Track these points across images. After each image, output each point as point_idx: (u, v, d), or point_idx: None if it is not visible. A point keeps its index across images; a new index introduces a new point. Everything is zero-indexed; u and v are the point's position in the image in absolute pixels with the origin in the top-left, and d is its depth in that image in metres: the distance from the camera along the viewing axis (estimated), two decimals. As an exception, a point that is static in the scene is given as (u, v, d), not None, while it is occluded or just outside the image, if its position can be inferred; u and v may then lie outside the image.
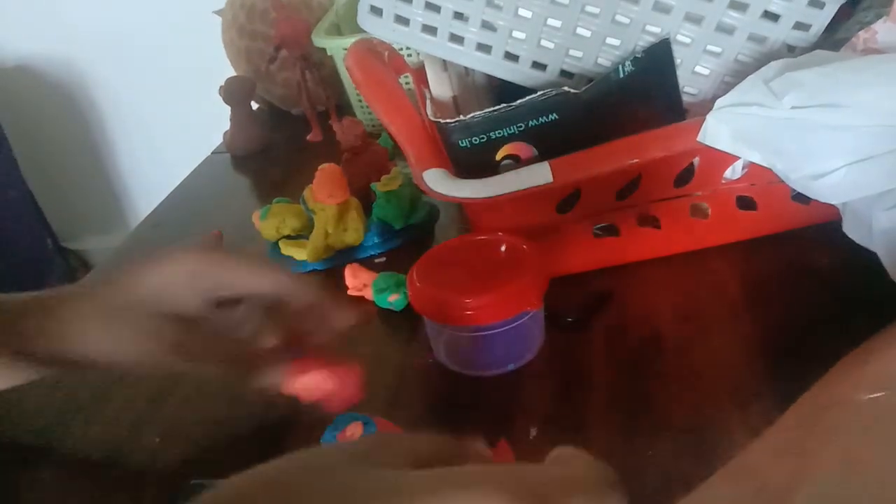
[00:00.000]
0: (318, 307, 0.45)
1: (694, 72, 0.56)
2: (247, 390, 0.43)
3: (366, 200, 0.71)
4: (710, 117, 0.49)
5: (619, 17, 0.54)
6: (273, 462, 0.25)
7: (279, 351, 0.44)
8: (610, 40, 0.56)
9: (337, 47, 0.90)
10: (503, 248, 0.52)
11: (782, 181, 0.49)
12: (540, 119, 0.53)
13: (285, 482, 0.25)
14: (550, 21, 0.55)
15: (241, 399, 0.54)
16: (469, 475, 0.24)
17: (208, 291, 0.43)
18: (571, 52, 0.57)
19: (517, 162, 0.54)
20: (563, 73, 0.58)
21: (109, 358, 0.42)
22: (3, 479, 0.50)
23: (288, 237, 0.72)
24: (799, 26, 0.53)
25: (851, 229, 0.49)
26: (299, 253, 0.69)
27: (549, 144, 0.53)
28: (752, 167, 0.55)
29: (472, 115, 0.52)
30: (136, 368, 0.43)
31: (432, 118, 0.55)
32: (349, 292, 0.63)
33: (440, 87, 0.65)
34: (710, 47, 0.55)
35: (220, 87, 0.97)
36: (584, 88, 0.53)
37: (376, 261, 0.68)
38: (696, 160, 0.55)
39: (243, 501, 0.24)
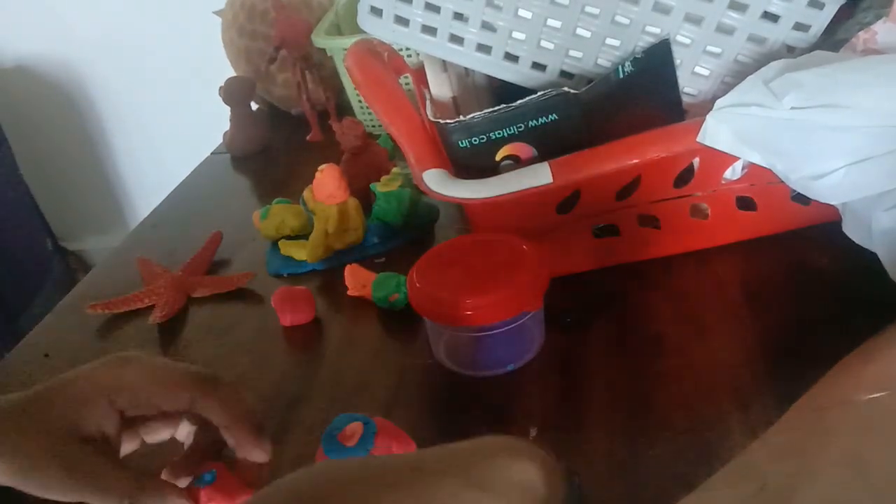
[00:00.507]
0: (236, 421, 0.41)
1: (694, 72, 0.56)
2: None
3: (366, 200, 0.71)
4: (709, 118, 0.49)
5: (618, 18, 0.54)
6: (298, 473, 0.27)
7: (178, 483, 0.41)
8: (610, 41, 0.56)
9: (337, 47, 0.90)
10: (503, 248, 0.52)
11: (782, 181, 0.49)
12: (540, 119, 0.53)
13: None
14: (550, 22, 0.55)
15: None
16: (489, 444, 0.28)
17: (125, 409, 0.41)
18: (571, 52, 0.57)
19: (517, 162, 0.54)
20: (563, 73, 0.58)
21: (13, 480, 0.39)
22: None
23: (288, 237, 0.72)
24: (798, 27, 0.53)
25: (851, 229, 0.49)
26: (299, 253, 0.69)
27: (549, 145, 0.54)
28: (751, 167, 0.55)
29: (472, 115, 0.52)
30: (40, 493, 0.40)
31: (432, 118, 0.55)
32: (349, 292, 0.63)
33: (440, 87, 0.65)
34: (709, 48, 0.55)
35: (220, 87, 0.97)
36: (583, 89, 0.53)
37: (376, 261, 0.68)
38: (696, 160, 0.55)
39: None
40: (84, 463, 0.39)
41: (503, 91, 0.62)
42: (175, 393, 0.42)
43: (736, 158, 0.53)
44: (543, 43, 0.56)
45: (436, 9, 0.56)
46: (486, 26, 0.56)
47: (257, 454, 0.41)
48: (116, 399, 0.41)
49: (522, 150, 0.54)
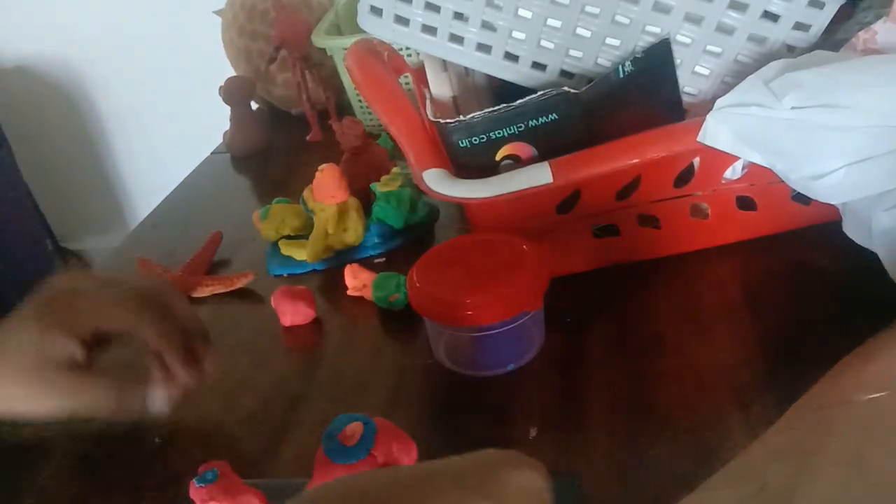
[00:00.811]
0: (167, 347, 0.47)
1: (694, 72, 0.56)
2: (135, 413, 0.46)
3: (366, 200, 0.71)
4: (709, 117, 0.49)
5: (618, 18, 0.54)
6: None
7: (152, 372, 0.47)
8: (610, 40, 0.56)
9: (337, 47, 0.90)
10: (503, 248, 0.52)
11: (782, 181, 0.49)
12: (540, 119, 0.53)
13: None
14: (550, 21, 0.55)
15: (236, 400, 0.54)
16: (491, 456, 0.29)
17: (83, 335, 0.46)
18: (571, 52, 0.57)
19: (517, 162, 0.54)
20: (563, 73, 0.58)
21: (9, 411, 0.45)
22: (4, 478, 0.50)
23: (288, 237, 0.72)
24: (799, 27, 0.53)
25: (851, 229, 0.49)
26: (299, 253, 0.69)
27: (549, 144, 0.53)
28: (752, 167, 0.55)
29: (472, 115, 0.52)
30: (36, 418, 0.46)
31: (432, 118, 0.55)
32: (349, 292, 0.63)
33: (440, 87, 0.65)
34: (709, 48, 0.55)
35: (220, 87, 0.97)
36: (584, 88, 0.53)
37: (376, 261, 0.68)
38: (696, 160, 0.55)
39: None
40: (64, 381, 0.45)
41: (503, 91, 0.62)
42: (118, 320, 0.47)
43: (736, 158, 0.53)
44: (543, 42, 0.56)
45: (436, 8, 0.56)
46: (486, 26, 0.56)
47: (181, 378, 0.47)
48: (72, 328, 0.45)
49: (522, 149, 0.54)
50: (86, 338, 0.46)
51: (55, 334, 0.45)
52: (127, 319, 0.46)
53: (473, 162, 0.54)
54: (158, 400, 0.46)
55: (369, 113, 0.95)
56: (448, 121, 0.53)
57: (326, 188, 0.65)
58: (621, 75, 0.52)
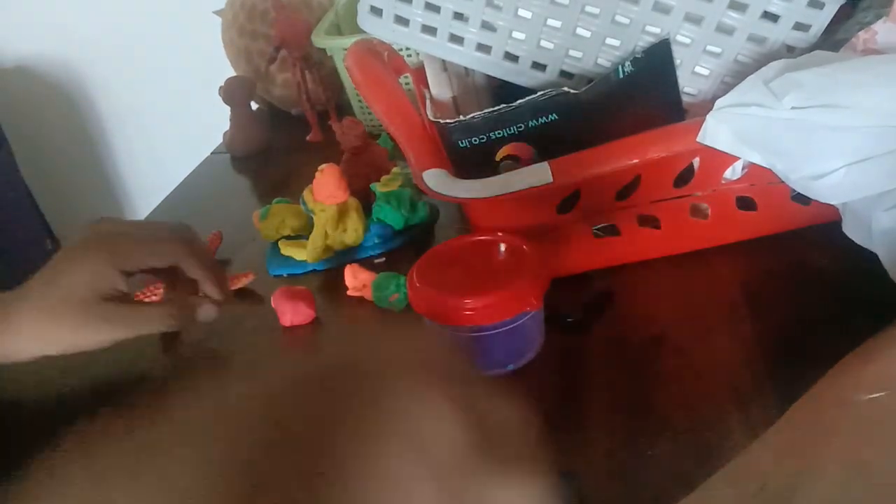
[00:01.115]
0: (205, 275, 0.55)
1: (694, 72, 0.56)
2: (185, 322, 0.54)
3: (366, 200, 0.71)
4: (709, 117, 0.49)
5: (618, 18, 0.54)
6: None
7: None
8: (610, 41, 0.56)
9: (337, 47, 0.90)
10: (503, 248, 0.52)
11: (782, 181, 0.49)
12: (540, 119, 0.53)
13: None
14: (550, 21, 0.55)
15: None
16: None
17: (128, 270, 0.52)
18: (571, 52, 0.57)
19: (517, 162, 0.54)
20: (563, 73, 0.58)
21: (65, 348, 0.51)
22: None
23: (288, 237, 0.72)
24: (798, 27, 0.53)
25: (851, 229, 0.49)
26: (299, 253, 0.69)
27: (548, 144, 0.54)
28: (752, 167, 0.55)
29: (472, 115, 0.52)
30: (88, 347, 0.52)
31: (432, 118, 0.55)
32: (349, 293, 0.63)
33: (440, 87, 0.65)
34: (709, 48, 0.55)
35: (220, 87, 0.97)
36: (583, 89, 0.53)
37: (376, 261, 0.68)
38: (696, 160, 0.55)
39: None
40: (116, 310, 0.51)
41: (503, 91, 0.62)
42: (163, 255, 0.54)
43: (736, 158, 0.53)
44: (543, 43, 0.56)
45: (436, 9, 0.56)
46: (486, 26, 0.56)
47: (216, 297, 0.56)
48: (119, 266, 0.51)
49: (522, 149, 0.54)
50: (132, 273, 0.52)
51: (108, 273, 0.50)
52: (170, 255, 0.53)
53: (473, 162, 0.54)
54: (204, 314, 0.55)
55: (369, 113, 0.95)
56: (448, 121, 0.53)
57: (326, 188, 0.65)
58: (621, 75, 0.53)
